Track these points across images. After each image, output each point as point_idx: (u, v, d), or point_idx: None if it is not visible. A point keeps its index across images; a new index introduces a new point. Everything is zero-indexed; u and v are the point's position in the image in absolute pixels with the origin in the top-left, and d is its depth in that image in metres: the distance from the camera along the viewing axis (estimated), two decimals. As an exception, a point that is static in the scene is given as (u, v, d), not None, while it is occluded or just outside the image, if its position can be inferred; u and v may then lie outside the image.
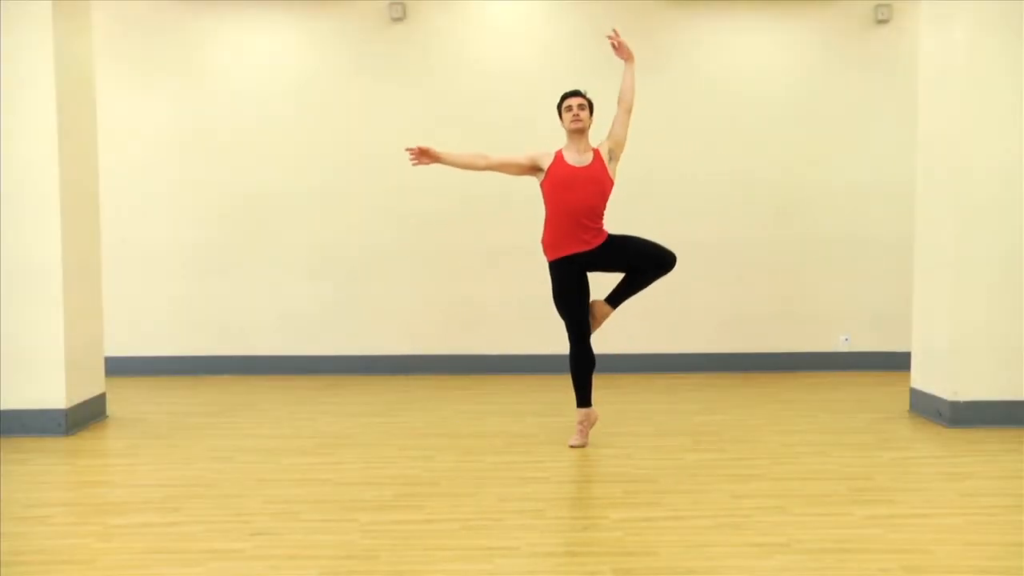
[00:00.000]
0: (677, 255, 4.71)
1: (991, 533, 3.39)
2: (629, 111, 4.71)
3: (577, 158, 4.64)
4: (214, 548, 3.25)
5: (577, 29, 6.88)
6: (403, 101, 6.86)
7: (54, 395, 5.01)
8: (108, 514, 3.64)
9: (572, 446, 4.67)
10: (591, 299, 4.73)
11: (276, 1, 6.86)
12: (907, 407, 5.53)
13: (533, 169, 4.69)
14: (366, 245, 6.93)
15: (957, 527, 3.45)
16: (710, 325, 6.99)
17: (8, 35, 4.93)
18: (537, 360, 6.82)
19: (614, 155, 4.72)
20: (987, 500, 3.78)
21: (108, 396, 5.59)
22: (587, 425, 4.74)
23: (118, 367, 6.64)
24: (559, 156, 4.66)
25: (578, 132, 4.62)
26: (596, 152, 4.66)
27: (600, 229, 4.64)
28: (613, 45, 4.72)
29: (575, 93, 4.68)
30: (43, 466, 4.43)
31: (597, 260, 4.63)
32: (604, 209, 4.67)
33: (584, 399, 4.73)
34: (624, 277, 4.75)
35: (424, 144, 4.68)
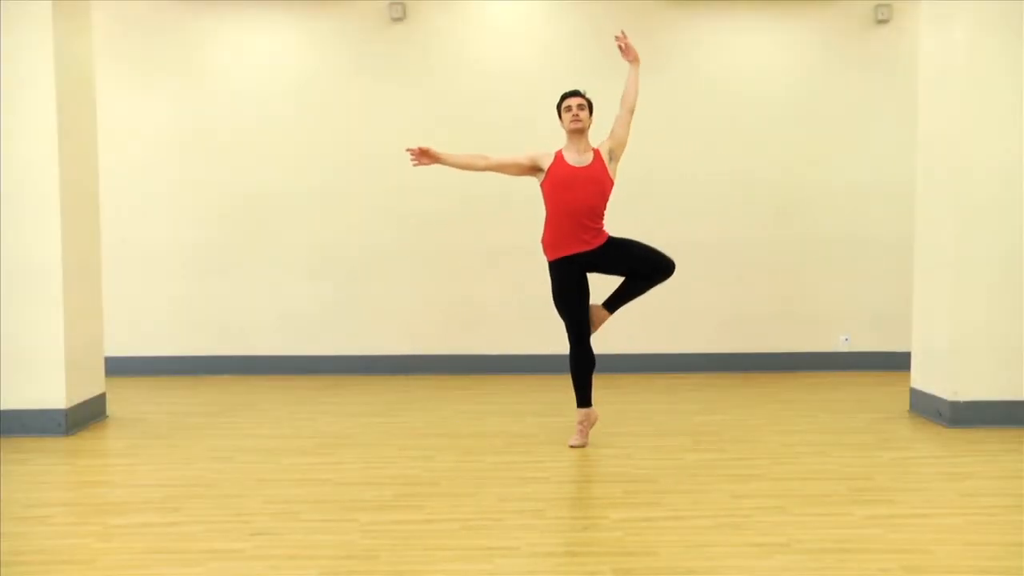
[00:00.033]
0: (677, 255, 4.71)
1: (991, 533, 3.39)
2: (631, 112, 4.72)
3: (577, 158, 4.64)
4: (214, 548, 3.25)
5: (577, 29, 6.88)
6: (403, 101, 6.86)
7: (54, 395, 5.01)
8: (108, 514, 3.64)
9: (572, 446, 4.67)
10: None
11: (276, 1, 6.86)
12: (907, 407, 5.53)
13: (533, 169, 4.69)
14: (366, 245, 6.93)
15: (957, 527, 3.45)
16: (710, 325, 6.99)
17: (8, 35, 4.93)
18: (537, 360, 6.83)
19: (615, 155, 4.72)
20: (987, 500, 3.78)
21: (108, 396, 5.59)
22: (587, 425, 4.74)
23: (118, 367, 6.64)
24: (559, 156, 4.66)
25: (578, 132, 4.62)
26: (596, 152, 4.66)
27: (600, 229, 4.64)
28: (620, 47, 4.73)
29: (574, 93, 4.68)
30: (43, 466, 4.43)
31: (597, 261, 4.63)
32: (604, 209, 4.67)
33: (584, 399, 4.73)
34: (622, 282, 4.75)
35: (424, 144, 4.69)
